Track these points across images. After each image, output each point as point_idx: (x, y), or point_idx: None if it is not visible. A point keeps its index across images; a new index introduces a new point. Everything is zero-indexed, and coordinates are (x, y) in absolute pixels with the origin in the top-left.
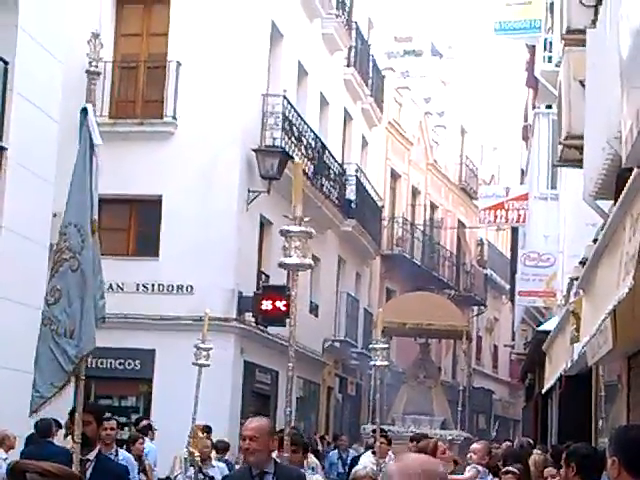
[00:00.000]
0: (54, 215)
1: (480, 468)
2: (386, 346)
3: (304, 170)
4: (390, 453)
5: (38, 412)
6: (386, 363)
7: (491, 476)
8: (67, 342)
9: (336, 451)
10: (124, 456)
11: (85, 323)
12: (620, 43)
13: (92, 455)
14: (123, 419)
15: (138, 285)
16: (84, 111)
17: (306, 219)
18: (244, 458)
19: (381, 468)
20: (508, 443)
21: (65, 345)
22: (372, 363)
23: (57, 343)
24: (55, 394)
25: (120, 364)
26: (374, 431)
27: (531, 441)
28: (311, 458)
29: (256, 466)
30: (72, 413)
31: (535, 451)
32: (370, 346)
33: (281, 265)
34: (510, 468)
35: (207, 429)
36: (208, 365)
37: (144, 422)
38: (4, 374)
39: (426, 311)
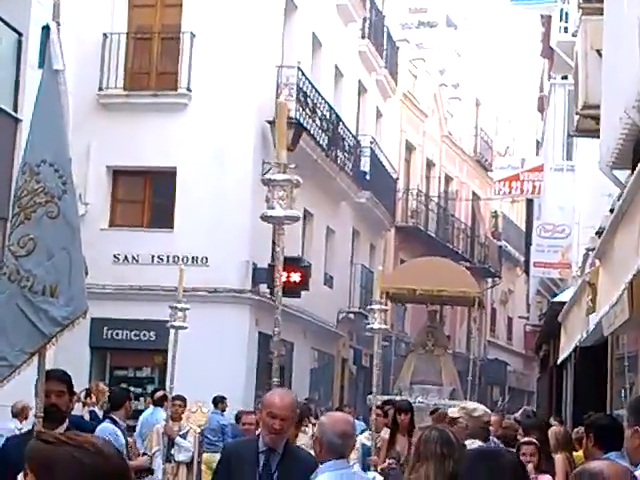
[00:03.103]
0: None
1: (495, 440)
2: (386, 308)
3: (318, 142)
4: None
5: (4, 384)
6: (385, 326)
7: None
8: (47, 301)
9: None
10: (101, 429)
11: (74, 280)
12: (639, 11)
13: (61, 430)
14: (139, 390)
15: (153, 257)
16: (46, 29)
17: (291, 166)
18: (271, 439)
19: (377, 443)
20: (517, 415)
21: (44, 305)
22: (369, 326)
23: (30, 302)
24: (26, 361)
25: (135, 335)
26: (386, 403)
27: (534, 410)
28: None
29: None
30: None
31: (552, 422)
32: (368, 307)
33: (264, 218)
34: (530, 439)
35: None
36: (185, 327)
37: (160, 393)
38: None
39: (437, 277)
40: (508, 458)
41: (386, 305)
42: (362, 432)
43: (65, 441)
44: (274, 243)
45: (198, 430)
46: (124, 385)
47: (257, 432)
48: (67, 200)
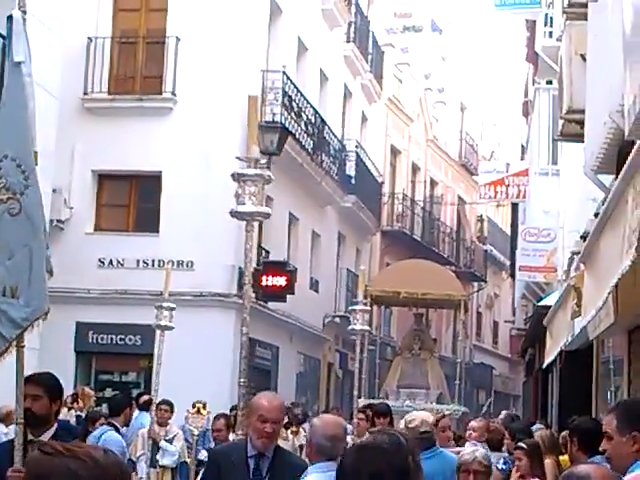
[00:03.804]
0: (54, 191)
1: (479, 445)
2: (368, 308)
3: (303, 146)
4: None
5: None
6: (367, 327)
7: (494, 454)
8: (7, 302)
9: None
10: (109, 438)
11: (35, 279)
12: (623, 16)
13: (47, 436)
14: None
15: (138, 261)
16: (10, 19)
17: (263, 161)
18: (262, 444)
19: None
20: (501, 418)
21: (3, 306)
22: (350, 327)
23: None
24: None
25: (121, 339)
26: (365, 407)
27: (517, 414)
28: (302, 434)
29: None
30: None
31: (538, 426)
32: (350, 307)
33: (234, 214)
34: (520, 444)
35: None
36: (172, 328)
37: (145, 397)
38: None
39: (422, 279)
40: (385, 450)
41: (370, 307)
42: None
43: (62, 452)
44: (260, 247)
45: (196, 432)
46: (110, 390)
47: (230, 437)
48: (29, 195)
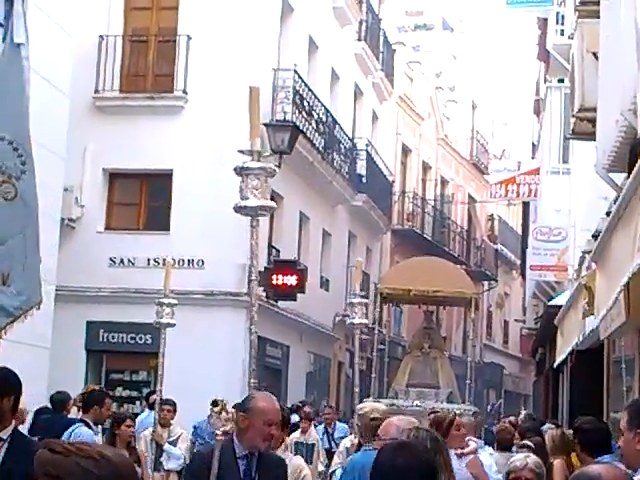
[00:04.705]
0: (65, 189)
1: (478, 441)
2: (365, 301)
3: (314, 144)
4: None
5: None
6: (365, 321)
7: (487, 447)
8: None
9: (322, 426)
10: (81, 433)
11: (29, 267)
12: (636, 14)
13: (5, 434)
14: (135, 393)
15: (149, 259)
16: (10, 1)
17: (265, 154)
18: (266, 446)
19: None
20: (521, 418)
21: None
22: (349, 321)
23: None
24: None
25: (131, 338)
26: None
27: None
28: (313, 433)
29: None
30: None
31: (548, 426)
32: (348, 301)
33: (237, 209)
34: (526, 442)
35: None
36: (174, 325)
37: (154, 396)
38: (19, 348)
39: (432, 277)
40: (416, 451)
41: (380, 306)
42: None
43: (73, 451)
44: (270, 246)
45: (219, 433)
46: (120, 389)
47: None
48: (26, 180)
